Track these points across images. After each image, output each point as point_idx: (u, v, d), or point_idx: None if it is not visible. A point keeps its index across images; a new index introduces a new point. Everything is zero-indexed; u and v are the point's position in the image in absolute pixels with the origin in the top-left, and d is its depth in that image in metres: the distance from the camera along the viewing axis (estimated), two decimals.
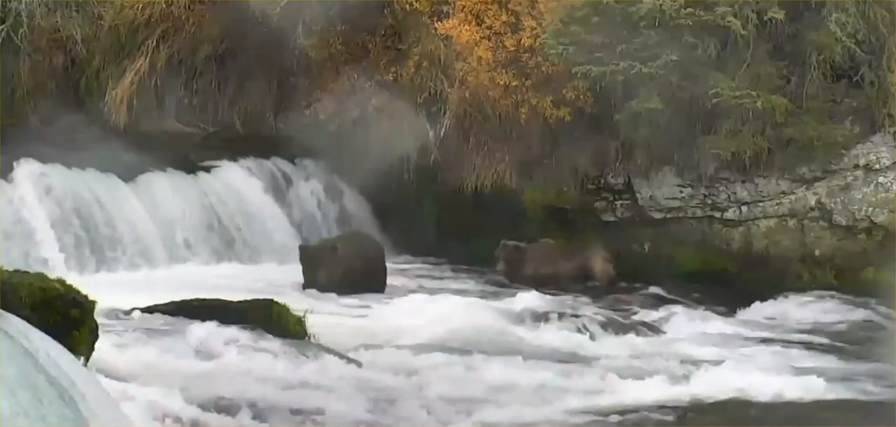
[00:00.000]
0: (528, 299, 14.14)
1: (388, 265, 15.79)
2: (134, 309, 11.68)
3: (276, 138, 18.72)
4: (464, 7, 17.36)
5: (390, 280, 15.57)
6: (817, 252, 16.03)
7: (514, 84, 16.89)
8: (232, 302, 11.56)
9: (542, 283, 15.71)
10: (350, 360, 10.71)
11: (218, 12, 18.74)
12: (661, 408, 10.21)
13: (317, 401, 9.55)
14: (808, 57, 15.88)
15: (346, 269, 15.11)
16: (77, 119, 18.15)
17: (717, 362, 11.55)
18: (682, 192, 16.67)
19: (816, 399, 10.69)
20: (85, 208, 15.78)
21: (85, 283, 8.72)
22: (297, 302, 12.61)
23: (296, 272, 15.43)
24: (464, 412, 9.72)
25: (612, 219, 17.12)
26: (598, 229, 17.04)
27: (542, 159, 17.32)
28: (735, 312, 14.72)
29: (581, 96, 16.62)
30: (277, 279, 15.34)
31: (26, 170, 15.75)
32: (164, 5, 18.67)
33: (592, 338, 12.75)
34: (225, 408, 9.16)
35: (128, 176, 16.49)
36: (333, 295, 14.65)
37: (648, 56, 15.70)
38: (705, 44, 15.72)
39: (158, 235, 16.17)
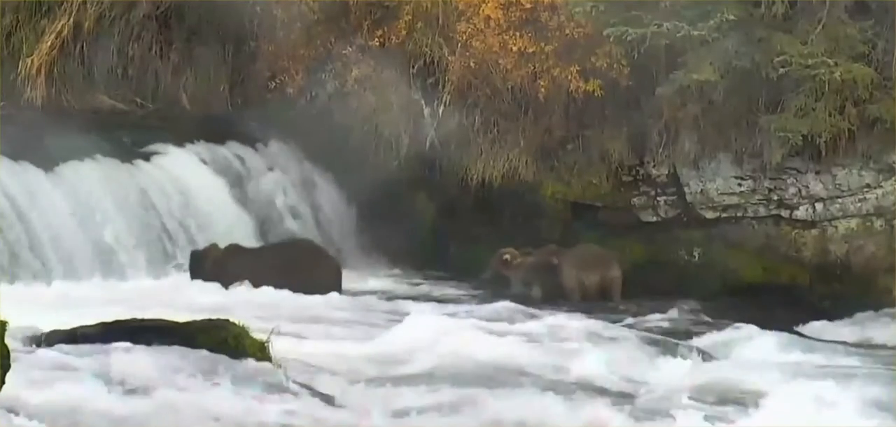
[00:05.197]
0: (547, 320, 14.17)
1: (372, 278, 15.79)
2: (53, 332, 11.71)
3: (232, 118, 18.78)
4: None
5: None
6: None
7: (530, 50, 16.96)
8: (177, 323, 11.60)
9: (556, 300, 15.81)
10: (323, 396, 10.79)
11: None
12: None
13: None
14: None
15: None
16: None
17: (784, 398, 11.55)
18: (740, 185, 16.74)
19: None
20: None
21: None
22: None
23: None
24: None
25: (654, 219, 17.19)
26: (636, 232, 17.11)
27: (565, 144, 17.40)
28: (807, 335, 14.76)
29: (615, 65, 16.68)
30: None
31: None
32: None
33: (629, 366, 12.78)
34: None
35: (47, 165, 16.56)
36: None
37: (698, 15, 15.75)
38: None
39: (85, 239, 16.23)
